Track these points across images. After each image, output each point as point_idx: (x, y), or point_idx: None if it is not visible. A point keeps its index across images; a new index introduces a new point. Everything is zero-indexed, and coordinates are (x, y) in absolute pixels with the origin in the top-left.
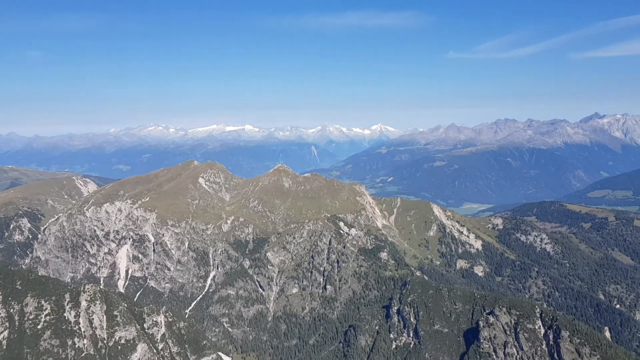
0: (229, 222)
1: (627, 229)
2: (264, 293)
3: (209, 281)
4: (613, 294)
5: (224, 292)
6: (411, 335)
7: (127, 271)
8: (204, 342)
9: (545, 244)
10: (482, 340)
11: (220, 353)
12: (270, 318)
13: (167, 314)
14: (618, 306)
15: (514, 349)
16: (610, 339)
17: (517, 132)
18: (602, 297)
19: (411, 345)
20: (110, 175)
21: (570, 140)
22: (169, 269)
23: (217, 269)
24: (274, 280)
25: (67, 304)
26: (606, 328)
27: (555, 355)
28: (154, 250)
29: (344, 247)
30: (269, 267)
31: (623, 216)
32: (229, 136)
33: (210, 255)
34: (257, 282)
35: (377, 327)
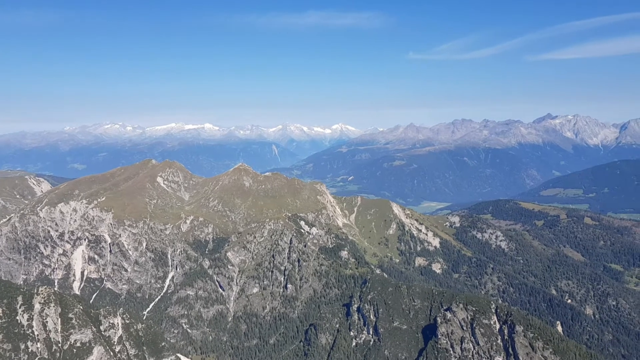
0: (188, 221)
1: (578, 226)
2: (224, 293)
3: (167, 282)
4: (565, 289)
5: (183, 293)
6: (371, 332)
7: (82, 273)
8: (163, 344)
9: (500, 241)
10: (439, 336)
11: (179, 354)
12: (230, 318)
13: (124, 316)
14: (569, 301)
15: (470, 344)
16: (562, 333)
17: (473, 132)
18: (554, 292)
19: (371, 343)
20: (65, 175)
21: (524, 140)
22: (126, 270)
23: (176, 269)
24: (234, 280)
25: (20, 307)
26: (558, 322)
27: (510, 349)
28: (110, 251)
29: (305, 246)
30: (229, 267)
31: (574, 214)
32: (188, 135)
33: (169, 256)
34: (217, 282)
35: (337, 325)
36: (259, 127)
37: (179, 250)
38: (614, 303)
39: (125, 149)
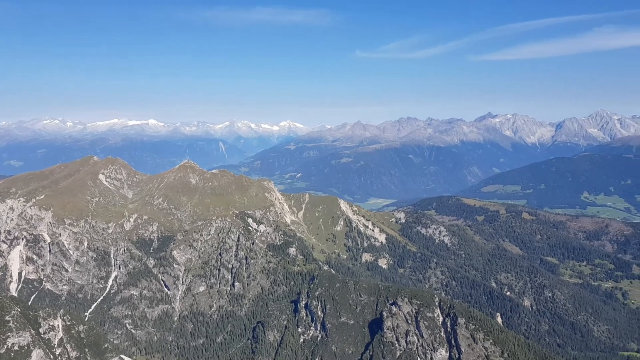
0: (131, 220)
1: (516, 221)
2: (169, 292)
3: (110, 282)
4: (504, 282)
5: (127, 293)
6: (318, 328)
7: (20, 273)
8: (106, 345)
9: (444, 236)
10: (385, 330)
11: (122, 356)
12: (176, 318)
13: (65, 318)
14: (508, 293)
15: (415, 337)
16: (501, 324)
17: (418, 130)
18: (494, 285)
19: (318, 338)
20: (0, 172)
21: (466, 139)
22: (66, 270)
23: (119, 269)
24: (180, 279)
25: None
26: (498, 314)
27: (453, 341)
28: (49, 251)
29: (253, 244)
30: (174, 265)
31: (512, 209)
32: (132, 131)
33: (112, 255)
34: (162, 282)
35: (285, 322)
36: (205, 124)
37: (122, 249)
38: (550, 294)
39: (66, 145)
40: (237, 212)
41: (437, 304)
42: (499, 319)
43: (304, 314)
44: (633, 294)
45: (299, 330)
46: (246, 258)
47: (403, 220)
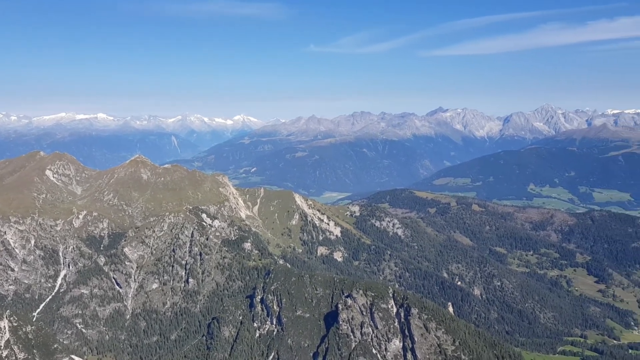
0: (81, 217)
1: (467, 212)
2: (121, 290)
3: (59, 281)
4: (455, 272)
5: (77, 292)
6: (274, 322)
7: None
8: (55, 346)
9: (397, 228)
10: (341, 322)
11: (73, 356)
12: (128, 316)
13: (11, 319)
14: (459, 283)
15: (370, 329)
16: (453, 314)
17: (372, 124)
18: (445, 275)
19: (274, 333)
20: None
21: (418, 132)
22: (12, 270)
23: (69, 267)
24: (132, 276)
25: None
26: (449, 303)
27: (406, 331)
28: None
29: (207, 239)
30: (126, 263)
31: (463, 201)
32: (80, 125)
33: (61, 253)
34: (113, 280)
35: (240, 318)
36: (157, 118)
37: (71, 247)
38: (499, 283)
39: (10, 140)
40: (191, 207)
41: (391, 295)
42: (451, 309)
43: (260, 308)
44: (577, 282)
45: (255, 325)
46: (200, 254)
47: (358, 214)
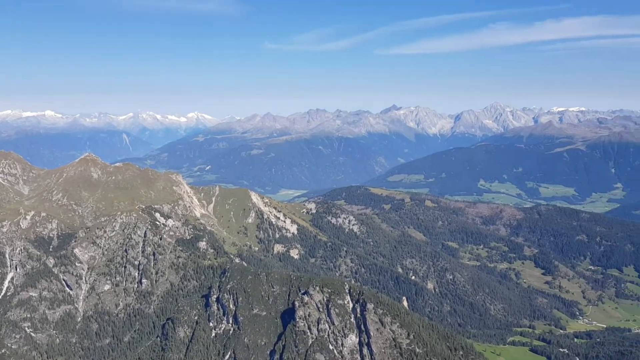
0: (28, 217)
1: (420, 208)
2: (71, 292)
3: (6, 284)
4: (409, 267)
5: (25, 295)
6: (231, 321)
7: None
8: (3, 351)
9: (353, 225)
10: (297, 320)
11: None
12: (79, 318)
13: None
14: (413, 277)
15: (326, 325)
16: (407, 308)
17: (327, 122)
18: (400, 270)
19: (231, 332)
20: None
21: (373, 130)
22: None
23: (16, 269)
24: (83, 278)
25: None
26: (404, 298)
27: (362, 326)
28: None
29: (161, 239)
30: (77, 264)
31: (416, 197)
32: (27, 123)
33: (7, 256)
34: (63, 282)
35: (196, 317)
36: (107, 115)
37: (18, 248)
38: (451, 277)
39: None
40: (144, 206)
41: (347, 291)
42: (405, 303)
43: (216, 308)
44: (525, 274)
45: (211, 324)
46: (154, 254)
47: (314, 211)
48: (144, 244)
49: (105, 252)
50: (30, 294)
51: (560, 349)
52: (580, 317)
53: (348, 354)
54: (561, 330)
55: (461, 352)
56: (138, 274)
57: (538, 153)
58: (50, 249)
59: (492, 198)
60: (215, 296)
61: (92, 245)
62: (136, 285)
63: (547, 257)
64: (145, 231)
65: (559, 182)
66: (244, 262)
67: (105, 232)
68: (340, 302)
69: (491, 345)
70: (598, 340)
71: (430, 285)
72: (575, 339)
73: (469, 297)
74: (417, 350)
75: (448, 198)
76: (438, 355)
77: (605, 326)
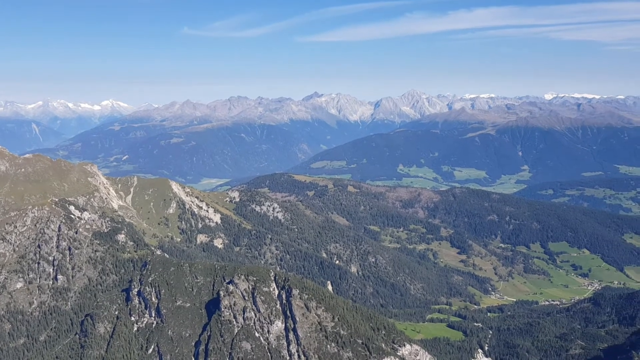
0: None
1: (343, 194)
2: None
3: None
4: (333, 251)
5: None
6: (153, 314)
7: None
8: None
9: (277, 212)
10: (223, 309)
11: None
12: None
13: None
14: (337, 262)
15: (252, 313)
16: (332, 291)
17: (249, 109)
18: (324, 255)
19: (153, 325)
20: None
21: (295, 117)
22: None
23: None
24: None
25: None
26: (328, 282)
27: (288, 312)
28: None
29: (77, 233)
30: None
31: (339, 183)
32: None
33: None
34: None
35: (117, 312)
36: (14, 104)
37: None
38: (373, 260)
39: None
40: (57, 199)
41: (272, 278)
42: (330, 287)
43: (137, 301)
44: (442, 254)
45: (132, 319)
46: (69, 248)
47: (237, 199)
48: (58, 239)
49: (17, 249)
50: None
51: (475, 324)
52: (493, 293)
53: (274, 340)
54: (475, 306)
55: (383, 332)
56: (53, 270)
57: (452, 138)
58: None
59: (410, 182)
60: (136, 290)
61: (1, 241)
62: (51, 282)
63: (461, 237)
64: (60, 225)
65: (472, 165)
66: (165, 254)
67: (15, 227)
68: (265, 289)
69: (411, 324)
70: (509, 313)
71: (353, 269)
72: (489, 313)
73: (390, 278)
74: (342, 332)
75: (369, 183)
76: (362, 336)
77: (515, 300)
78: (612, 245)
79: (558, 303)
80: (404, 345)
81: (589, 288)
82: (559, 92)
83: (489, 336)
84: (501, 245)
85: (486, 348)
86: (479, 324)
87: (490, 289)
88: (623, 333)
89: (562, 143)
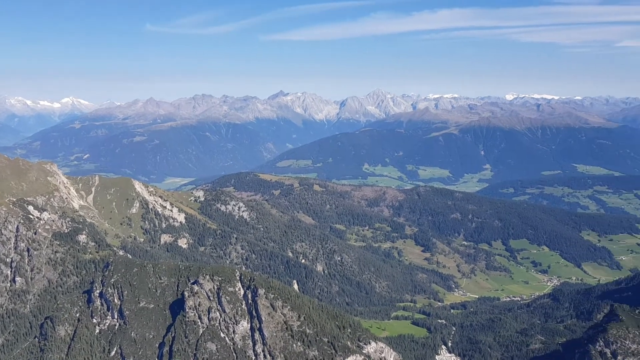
0: None
1: (309, 193)
2: None
3: None
4: (299, 250)
5: None
6: (116, 316)
7: None
8: None
9: (243, 211)
10: (187, 310)
11: None
12: None
13: None
14: (303, 261)
15: (217, 313)
16: (297, 290)
17: (214, 108)
18: (290, 254)
19: (116, 327)
20: None
21: (261, 116)
22: None
23: None
24: None
25: None
26: (294, 281)
27: (254, 312)
28: None
29: (35, 234)
30: None
31: (305, 182)
32: None
33: None
34: None
35: (78, 315)
36: None
37: None
38: (339, 258)
39: None
40: (15, 199)
41: (238, 278)
42: (295, 286)
43: (99, 303)
44: (406, 252)
45: (94, 321)
46: (28, 250)
47: (202, 199)
48: (16, 240)
49: None
50: None
51: (439, 320)
52: (456, 290)
53: (240, 340)
54: (439, 303)
55: (349, 330)
56: (11, 272)
57: (417, 137)
58: None
59: (376, 181)
60: (98, 291)
61: None
62: (9, 284)
63: (426, 235)
64: (18, 226)
65: (436, 164)
66: (128, 255)
67: None
68: (231, 289)
69: (377, 321)
70: (471, 309)
71: (319, 268)
72: (452, 310)
73: (356, 277)
74: (308, 331)
75: (335, 182)
76: (327, 335)
77: (477, 296)
78: (570, 242)
79: (519, 299)
80: (370, 343)
81: (548, 284)
82: (520, 93)
83: (453, 332)
84: (464, 243)
85: (450, 344)
86: (443, 321)
87: (453, 286)
88: (581, 327)
89: (522, 143)
